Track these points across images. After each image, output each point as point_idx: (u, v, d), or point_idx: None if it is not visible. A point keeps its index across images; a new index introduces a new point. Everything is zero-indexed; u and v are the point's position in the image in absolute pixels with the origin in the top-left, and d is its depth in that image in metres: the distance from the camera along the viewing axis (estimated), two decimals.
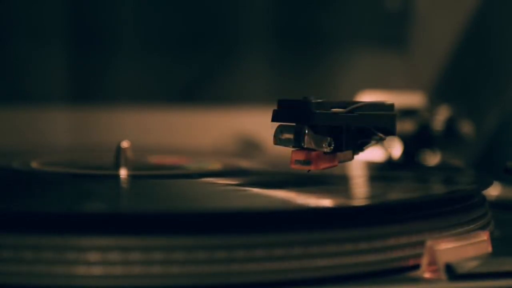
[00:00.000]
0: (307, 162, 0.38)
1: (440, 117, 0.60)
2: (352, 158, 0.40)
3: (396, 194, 0.41)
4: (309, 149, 0.38)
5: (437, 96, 0.68)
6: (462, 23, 0.69)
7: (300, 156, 0.38)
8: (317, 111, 0.37)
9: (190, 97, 0.75)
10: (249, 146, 0.71)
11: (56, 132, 0.71)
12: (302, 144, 0.37)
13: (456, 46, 0.70)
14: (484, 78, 0.68)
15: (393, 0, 0.76)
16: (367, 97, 0.63)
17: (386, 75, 0.77)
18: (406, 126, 0.59)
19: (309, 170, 0.38)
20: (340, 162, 0.39)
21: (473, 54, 0.69)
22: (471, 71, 0.69)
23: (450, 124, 0.59)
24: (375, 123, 0.39)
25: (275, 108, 0.38)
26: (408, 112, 0.61)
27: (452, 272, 0.32)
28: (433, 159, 0.58)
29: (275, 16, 0.76)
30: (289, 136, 0.38)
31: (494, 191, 0.51)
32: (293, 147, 0.38)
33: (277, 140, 0.38)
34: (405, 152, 0.57)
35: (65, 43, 0.71)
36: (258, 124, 0.65)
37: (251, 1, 0.76)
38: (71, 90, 0.72)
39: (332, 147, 0.38)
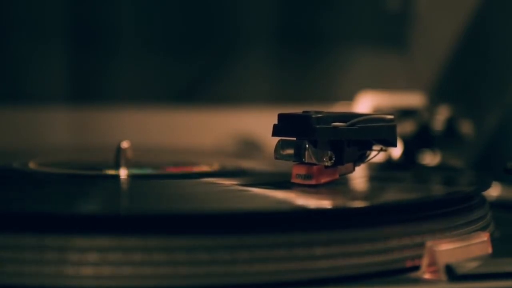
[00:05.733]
0: (308, 176, 0.38)
1: (440, 117, 0.60)
2: (353, 170, 0.40)
3: (396, 195, 0.41)
4: (310, 164, 0.38)
5: (437, 96, 0.68)
6: (462, 23, 0.69)
7: (301, 170, 0.38)
8: (318, 126, 0.37)
9: (190, 97, 0.75)
10: (249, 146, 0.71)
11: (56, 132, 0.71)
12: (303, 159, 0.38)
13: (456, 46, 0.70)
14: (484, 78, 0.68)
15: (393, 0, 0.76)
16: (367, 97, 0.63)
17: (386, 75, 0.77)
18: (406, 126, 0.59)
19: (310, 185, 0.38)
20: (341, 175, 0.39)
21: (473, 54, 0.69)
22: (471, 71, 0.69)
23: (450, 124, 0.60)
24: (376, 136, 0.39)
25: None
26: (408, 112, 0.61)
27: (452, 273, 0.32)
28: (433, 159, 0.58)
29: (275, 16, 0.76)
30: (290, 151, 0.38)
31: (494, 191, 0.51)
32: (294, 161, 0.38)
33: (278, 155, 0.39)
34: (405, 152, 0.57)
35: (65, 43, 0.71)
36: (258, 124, 0.66)
37: (251, 1, 0.76)
38: (71, 90, 0.72)
39: (333, 161, 0.38)
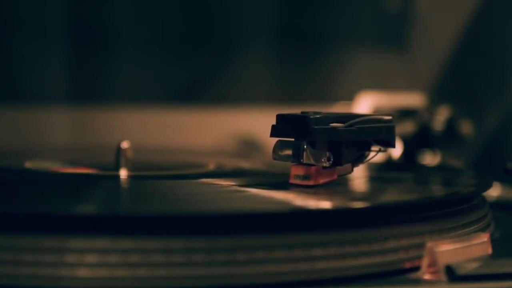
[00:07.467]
0: (306, 177, 0.38)
1: (440, 117, 0.60)
2: (352, 171, 0.40)
3: (396, 195, 0.41)
4: (308, 164, 0.38)
5: (437, 96, 0.68)
6: (462, 23, 0.69)
7: (300, 171, 0.38)
8: (316, 127, 0.37)
9: (190, 97, 0.75)
10: (249, 146, 0.71)
11: (56, 132, 0.71)
12: (301, 159, 0.38)
13: (456, 46, 0.70)
14: (484, 78, 0.68)
15: (393, 0, 0.76)
16: (367, 97, 0.63)
17: (386, 75, 0.77)
18: (406, 126, 0.59)
19: (308, 185, 0.38)
20: (339, 175, 0.39)
21: (473, 54, 0.69)
22: (471, 71, 0.69)
23: (450, 124, 0.60)
24: (374, 136, 0.39)
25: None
26: (408, 112, 0.61)
27: (452, 274, 0.32)
28: (433, 159, 0.58)
29: (275, 16, 0.76)
30: (288, 152, 0.38)
31: (494, 191, 0.51)
32: (292, 162, 0.38)
33: (276, 156, 0.39)
34: (405, 153, 0.57)
35: (65, 43, 0.71)
36: (258, 124, 0.66)
37: (251, 1, 0.76)
38: (71, 90, 0.72)
39: (331, 162, 0.38)
